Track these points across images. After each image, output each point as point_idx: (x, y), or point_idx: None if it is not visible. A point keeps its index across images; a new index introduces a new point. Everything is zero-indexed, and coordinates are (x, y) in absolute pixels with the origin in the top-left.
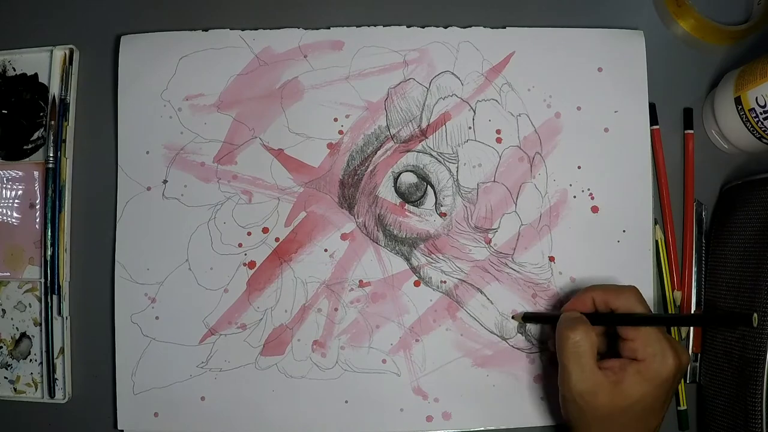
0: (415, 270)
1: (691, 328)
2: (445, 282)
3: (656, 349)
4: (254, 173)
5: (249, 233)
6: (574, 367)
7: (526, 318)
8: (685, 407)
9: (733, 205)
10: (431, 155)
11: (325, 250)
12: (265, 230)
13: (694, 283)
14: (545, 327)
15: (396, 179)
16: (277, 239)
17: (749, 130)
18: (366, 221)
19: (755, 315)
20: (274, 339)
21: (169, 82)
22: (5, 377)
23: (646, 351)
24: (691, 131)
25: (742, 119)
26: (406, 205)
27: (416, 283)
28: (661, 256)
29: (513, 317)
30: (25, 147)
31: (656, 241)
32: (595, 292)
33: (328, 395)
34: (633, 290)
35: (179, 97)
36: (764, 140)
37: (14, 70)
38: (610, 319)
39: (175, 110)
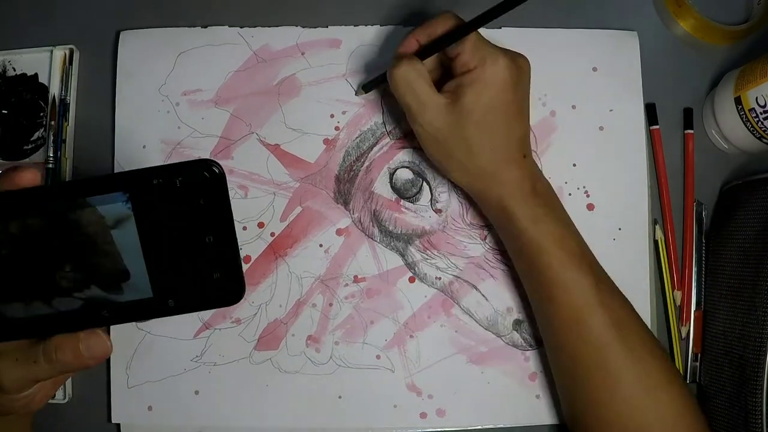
0: (410, 266)
1: (692, 327)
2: (440, 278)
3: (484, 53)
4: (250, 168)
5: (244, 228)
6: (410, 98)
7: (367, 86)
8: None
9: (733, 205)
10: None
11: (321, 246)
12: (261, 225)
13: (694, 283)
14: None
15: (392, 175)
16: (272, 234)
17: (749, 130)
18: (361, 217)
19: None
20: (268, 334)
21: (168, 77)
22: None
23: (475, 58)
24: (691, 131)
25: (742, 119)
26: (402, 201)
27: (411, 279)
28: (661, 256)
29: (356, 93)
30: (25, 147)
31: (656, 241)
32: (416, 33)
33: (321, 390)
34: (449, 15)
35: (177, 92)
36: (764, 140)
37: (14, 70)
38: (433, 45)
39: (172, 105)
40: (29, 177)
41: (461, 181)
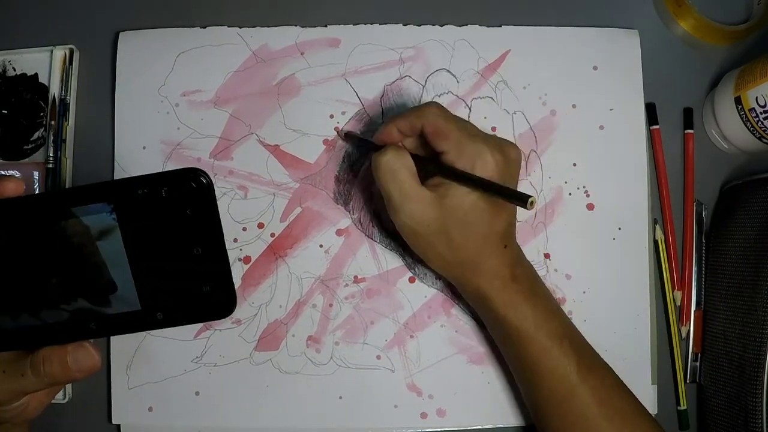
0: (410, 266)
1: (692, 327)
2: (440, 278)
3: (471, 152)
4: (250, 169)
5: (244, 228)
6: (392, 188)
7: (348, 136)
8: (686, 407)
9: (733, 205)
10: None
11: (321, 246)
12: (261, 225)
13: (694, 283)
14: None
15: None
16: (272, 234)
17: (749, 130)
18: (361, 217)
19: (532, 198)
20: (268, 334)
21: (167, 78)
22: None
23: (462, 159)
24: (691, 131)
25: (742, 119)
26: None
27: (411, 280)
28: (661, 256)
29: (337, 132)
30: (25, 147)
31: (656, 241)
32: (398, 122)
33: (322, 391)
34: (433, 105)
35: (176, 93)
36: (764, 140)
37: (14, 70)
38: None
39: (172, 106)
40: (12, 187)
41: (440, 270)
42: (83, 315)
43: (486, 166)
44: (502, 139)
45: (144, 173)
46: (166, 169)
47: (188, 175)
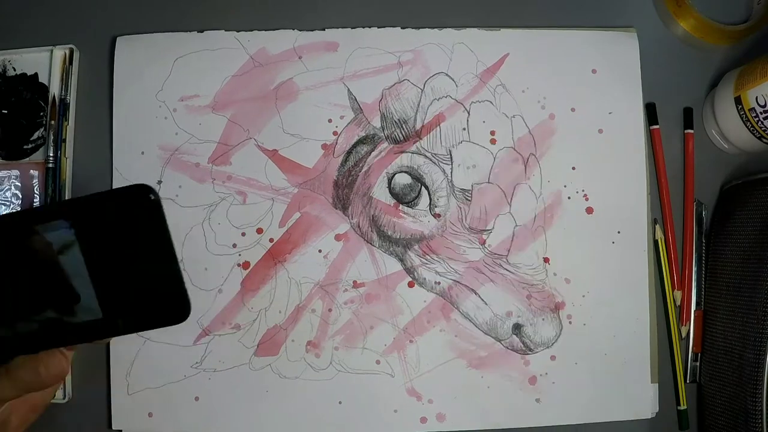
0: (409, 271)
1: (692, 327)
2: (439, 283)
3: None
4: (249, 174)
5: (243, 234)
6: None
7: None
8: (685, 407)
9: (733, 205)
10: (425, 156)
11: (320, 251)
12: (260, 231)
13: (694, 283)
14: None
15: (390, 180)
16: (271, 240)
17: (749, 129)
18: (360, 222)
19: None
20: (268, 339)
21: (165, 82)
22: None
23: None
24: (691, 131)
25: (742, 119)
26: (401, 206)
27: (410, 284)
28: (661, 256)
29: None
30: (25, 147)
31: (656, 241)
32: None
33: (322, 396)
34: None
35: (174, 97)
36: (764, 140)
37: (14, 70)
38: None
39: (170, 111)
40: None
41: None
42: (52, 324)
43: None
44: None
45: (143, 178)
46: (165, 174)
47: (138, 192)
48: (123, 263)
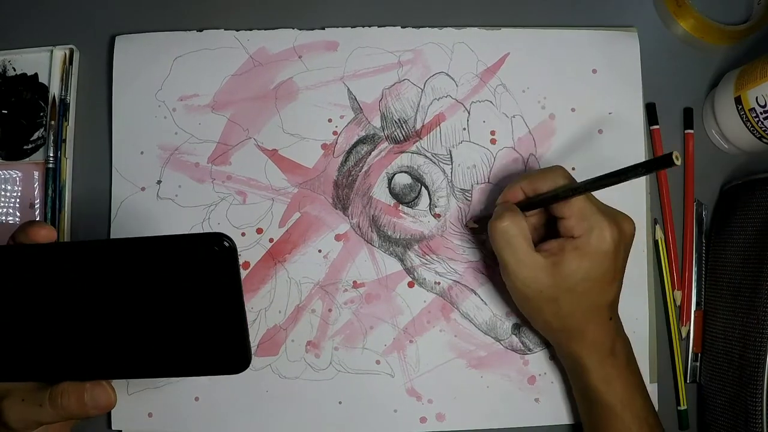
0: (409, 271)
1: (692, 327)
2: (439, 283)
3: (591, 223)
4: (248, 174)
5: (243, 234)
6: (507, 254)
7: (479, 221)
8: (686, 407)
9: (733, 205)
10: (425, 156)
11: (319, 251)
12: (260, 231)
13: (694, 283)
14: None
15: (390, 180)
16: (271, 240)
17: (749, 129)
18: (360, 222)
19: (676, 153)
20: (267, 339)
21: (164, 82)
22: None
23: (582, 226)
24: (691, 131)
25: (742, 119)
26: (401, 206)
27: (410, 284)
28: (661, 256)
29: (467, 224)
30: (25, 147)
31: (656, 241)
32: (522, 182)
33: (321, 396)
34: (559, 169)
35: (174, 97)
36: (764, 140)
37: (14, 70)
38: (538, 201)
39: (169, 110)
40: (43, 233)
41: (542, 331)
42: (104, 356)
43: (603, 240)
44: (619, 212)
45: (143, 177)
46: (164, 174)
47: (213, 239)
48: (188, 306)
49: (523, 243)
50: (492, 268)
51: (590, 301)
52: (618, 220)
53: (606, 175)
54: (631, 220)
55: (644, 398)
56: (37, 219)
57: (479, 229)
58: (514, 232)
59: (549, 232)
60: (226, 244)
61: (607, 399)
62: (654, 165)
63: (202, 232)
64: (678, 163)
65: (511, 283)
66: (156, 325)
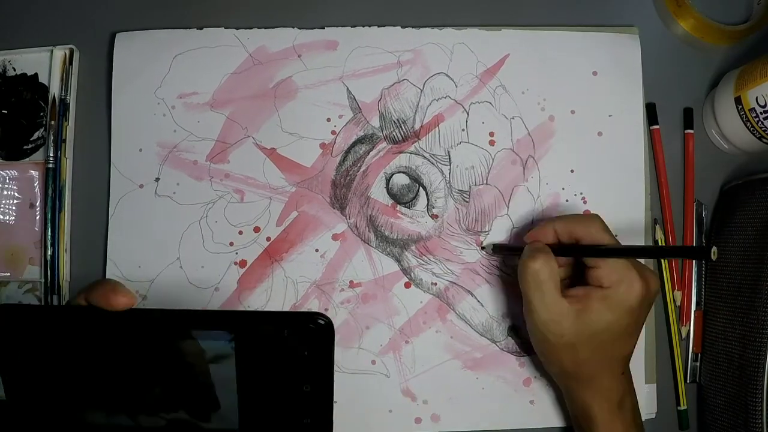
0: (405, 271)
1: (692, 327)
2: (435, 284)
3: (622, 276)
4: (247, 172)
5: (240, 232)
6: (535, 295)
7: (496, 249)
8: (686, 407)
9: (733, 205)
10: (424, 157)
11: (316, 250)
12: (257, 229)
13: (694, 283)
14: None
15: (388, 180)
16: (268, 238)
17: (749, 130)
18: (357, 222)
19: (714, 249)
20: None
21: (163, 80)
22: None
23: (612, 278)
24: (691, 131)
25: (742, 119)
26: (398, 206)
27: (407, 285)
28: None
29: (483, 247)
30: (25, 147)
31: (656, 241)
32: (557, 223)
33: None
34: (597, 219)
35: (173, 95)
36: (764, 140)
37: (14, 70)
38: (573, 250)
39: (168, 108)
40: (124, 302)
41: (554, 376)
42: (180, 425)
43: (631, 294)
44: (647, 267)
45: (141, 174)
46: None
47: (310, 318)
48: (276, 383)
49: (551, 287)
50: (489, 269)
51: (608, 351)
52: (646, 276)
53: (644, 247)
54: (657, 278)
55: None
56: (38, 219)
57: (496, 250)
58: (545, 276)
59: (574, 273)
60: (321, 321)
61: None
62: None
63: (299, 311)
64: (714, 258)
65: (532, 324)
66: (242, 399)
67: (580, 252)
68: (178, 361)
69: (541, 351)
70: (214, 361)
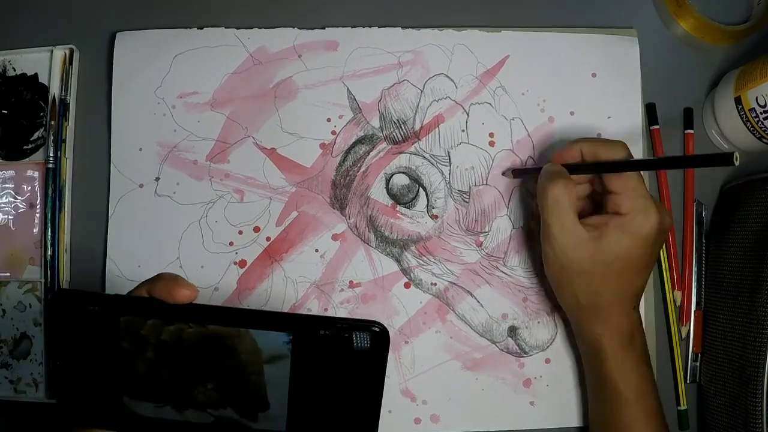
0: (405, 272)
1: (692, 327)
2: (435, 284)
3: (640, 204)
4: (247, 172)
5: (240, 232)
6: (554, 221)
7: (516, 173)
8: (686, 407)
9: (733, 205)
10: (424, 157)
11: (316, 251)
12: (257, 229)
13: (694, 283)
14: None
15: (388, 181)
16: (268, 239)
17: (749, 130)
18: (357, 222)
19: (736, 153)
20: None
21: (164, 79)
22: (6, 377)
23: (630, 205)
24: (691, 131)
25: (742, 119)
26: (398, 206)
27: (406, 285)
28: (661, 256)
29: (503, 173)
30: (25, 147)
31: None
32: (584, 144)
33: None
34: (622, 144)
35: (173, 94)
36: (764, 140)
37: (14, 70)
38: (593, 166)
39: (168, 108)
40: (186, 294)
41: (567, 307)
42: (226, 423)
43: (647, 223)
44: (663, 206)
45: (141, 174)
46: (162, 171)
47: (369, 327)
48: (327, 388)
49: (570, 212)
50: (489, 270)
51: (621, 282)
52: (662, 211)
53: (664, 157)
54: (671, 217)
55: (656, 394)
56: (38, 219)
57: (516, 173)
58: (565, 199)
59: (591, 206)
60: (377, 329)
61: (622, 388)
62: (713, 159)
63: (359, 318)
64: (737, 163)
65: (549, 249)
66: (293, 401)
67: (599, 168)
68: (234, 358)
69: (556, 280)
70: (270, 362)
